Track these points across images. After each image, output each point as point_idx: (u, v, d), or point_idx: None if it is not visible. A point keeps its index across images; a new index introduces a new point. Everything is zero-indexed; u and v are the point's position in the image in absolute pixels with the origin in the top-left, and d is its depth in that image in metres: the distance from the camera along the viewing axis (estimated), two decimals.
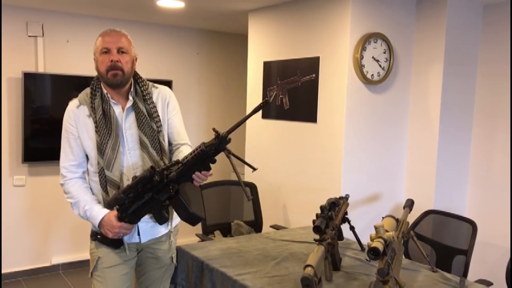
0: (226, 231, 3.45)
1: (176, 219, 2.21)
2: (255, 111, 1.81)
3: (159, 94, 2.15)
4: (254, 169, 1.88)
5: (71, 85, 4.25)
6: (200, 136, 5.11)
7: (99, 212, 2.02)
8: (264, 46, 3.93)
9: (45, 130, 4.24)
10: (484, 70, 3.59)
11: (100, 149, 2.01)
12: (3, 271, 4.19)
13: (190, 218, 1.95)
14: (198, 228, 3.24)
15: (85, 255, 4.33)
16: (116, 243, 2.08)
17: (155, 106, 2.10)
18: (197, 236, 3.22)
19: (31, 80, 4.14)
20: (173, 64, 4.98)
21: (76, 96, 2.10)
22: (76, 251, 4.49)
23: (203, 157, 1.83)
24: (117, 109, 2.05)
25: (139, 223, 2.06)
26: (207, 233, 3.30)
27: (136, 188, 1.89)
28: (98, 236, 2.08)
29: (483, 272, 3.10)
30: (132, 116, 2.06)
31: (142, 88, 2.10)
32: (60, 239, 4.45)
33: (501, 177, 3.49)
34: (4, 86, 4.14)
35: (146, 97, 2.09)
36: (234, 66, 5.30)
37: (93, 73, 2.14)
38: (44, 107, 4.25)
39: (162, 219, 2.03)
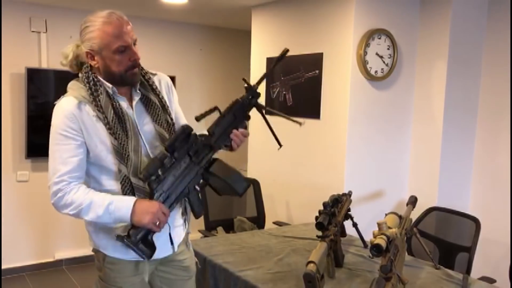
0: (229, 227, 3.45)
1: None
2: (278, 60, 1.80)
3: (160, 81, 1.87)
4: (300, 123, 1.86)
5: None
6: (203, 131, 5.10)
7: (129, 198, 1.64)
8: (267, 42, 3.92)
9: (48, 125, 4.19)
10: (488, 67, 3.56)
11: (120, 154, 1.66)
12: (7, 266, 4.21)
13: (238, 182, 1.77)
14: (201, 224, 3.25)
15: (88, 250, 4.32)
16: (152, 247, 1.66)
17: (163, 97, 1.83)
18: (199, 232, 3.22)
19: (34, 76, 4.14)
20: (176, 60, 4.98)
21: (62, 94, 1.73)
22: (79, 246, 4.49)
23: (239, 108, 1.76)
24: (124, 104, 1.73)
25: (172, 231, 1.79)
26: (209, 229, 3.30)
27: (173, 148, 1.64)
28: (130, 232, 1.61)
29: (486, 269, 3.09)
30: (143, 111, 1.77)
31: (146, 77, 1.80)
32: (63, 235, 4.46)
33: (504, 174, 3.47)
34: (7, 82, 4.14)
35: (154, 87, 1.81)
36: (237, 62, 5.29)
37: None
38: (47, 102, 4.25)
39: (199, 205, 1.78)
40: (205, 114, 1.76)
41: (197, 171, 1.73)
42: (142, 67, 1.79)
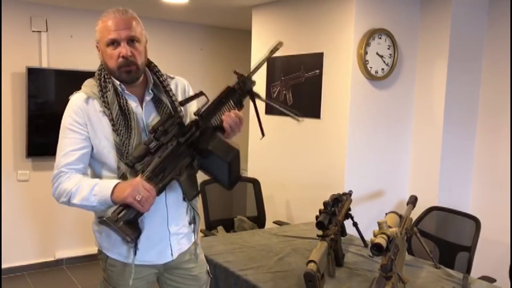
0: (229, 227, 3.46)
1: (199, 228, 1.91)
2: (271, 52, 1.77)
3: (177, 84, 1.88)
4: (298, 119, 1.87)
5: (74, 80, 4.14)
6: None
7: (115, 180, 1.63)
8: (268, 41, 3.92)
9: (49, 125, 4.25)
10: (489, 65, 3.56)
11: (120, 151, 1.65)
12: (7, 266, 4.21)
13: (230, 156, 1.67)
14: (202, 223, 3.25)
15: (88, 250, 4.34)
16: (136, 229, 1.58)
17: (177, 99, 1.81)
18: (200, 231, 3.22)
19: (35, 75, 4.15)
20: (176, 59, 4.98)
21: (77, 90, 1.79)
22: (80, 246, 4.50)
23: (229, 93, 1.74)
24: (133, 103, 1.72)
25: (171, 238, 1.76)
26: (210, 229, 3.31)
27: (157, 132, 1.62)
28: (113, 217, 1.55)
29: (486, 269, 3.09)
30: (153, 111, 1.76)
31: (161, 79, 1.80)
32: (63, 234, 4.47)
33: (505, 173, 3.48)
34: (8, 81, 4.15)
35: (167, 88, 1.80)
36: (238, 62, 5.28)
37: (96, 68, 2.08)
38: (48, 102, 4.26)
39: (189, 188, 1.69)
40: (190, 99, 1.75)
41: (187, 153, 1.68)
42: (158, 69, 1.82)
